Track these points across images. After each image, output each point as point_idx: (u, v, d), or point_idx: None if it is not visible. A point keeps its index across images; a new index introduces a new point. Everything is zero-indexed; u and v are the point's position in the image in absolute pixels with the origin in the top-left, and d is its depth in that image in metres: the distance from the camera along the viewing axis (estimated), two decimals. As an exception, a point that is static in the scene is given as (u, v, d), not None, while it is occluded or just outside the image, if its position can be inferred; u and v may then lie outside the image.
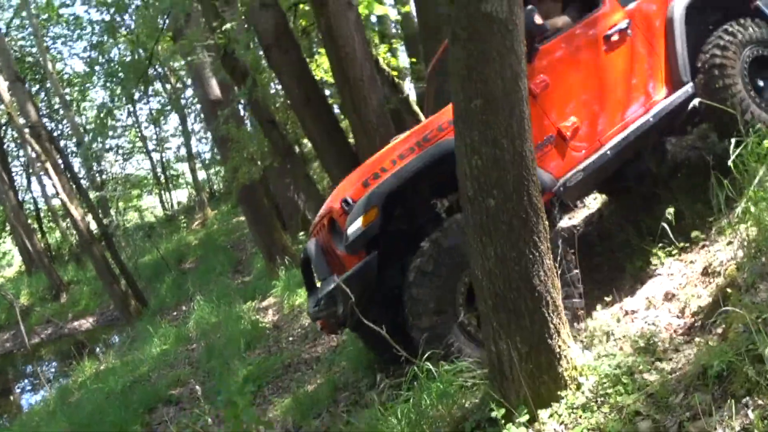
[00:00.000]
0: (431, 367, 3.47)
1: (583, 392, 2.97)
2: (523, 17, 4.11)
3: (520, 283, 2.94)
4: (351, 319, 4.03)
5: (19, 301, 16.58)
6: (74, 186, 13.87)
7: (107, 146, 23.54)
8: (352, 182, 4.41)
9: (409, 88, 11.07)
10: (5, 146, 21.74)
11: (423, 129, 4.46)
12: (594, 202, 7.11)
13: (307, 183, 9.22)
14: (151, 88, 24.48)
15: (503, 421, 2.93)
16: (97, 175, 21.93)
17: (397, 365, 4.05)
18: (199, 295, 12.15)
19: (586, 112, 4.60)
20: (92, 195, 17.20)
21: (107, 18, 21.49)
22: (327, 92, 11.33)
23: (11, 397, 12.80)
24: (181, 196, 26.78)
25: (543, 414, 2.95)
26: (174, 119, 29.11)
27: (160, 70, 22.56)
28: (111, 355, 11.26)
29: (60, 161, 13.57)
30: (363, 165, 4.68)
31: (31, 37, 20.66)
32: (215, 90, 12.32)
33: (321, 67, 9.22)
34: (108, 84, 22.21)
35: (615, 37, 4.72)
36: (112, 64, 21.17)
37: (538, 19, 4.27)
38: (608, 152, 4.54)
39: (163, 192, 25.18)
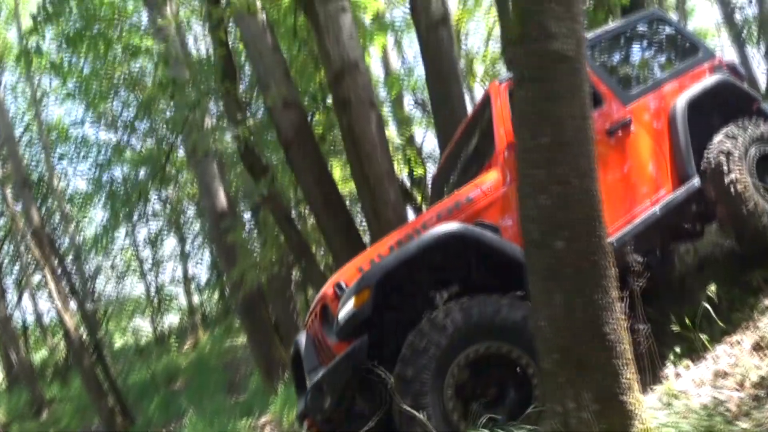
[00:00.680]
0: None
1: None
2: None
3: (590, 331, 2.75)
4: (339, 410, 3.84)
5: (-4, 419, 15.77)
6: (70, 295, 13.61)
7: (102, 265, 23.38)
8: (347, 269, 4.33)
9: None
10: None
11: (422, 218, 4.45)
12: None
13: (322, 283, 9.04)
14: (150, 208, 24.71)
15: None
16: (90, 292, 21.60)
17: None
18: (191, 412, 11.60)
19: None
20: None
21: (114, 139, 22.23)
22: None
23: None
24: (172, 319, 26.30)
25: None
26: (170, 243, 29.09)
27: (161, 192, 22.91)
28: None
29: (58, 269, 13.39)
30: (362, 253, 4.60)
31: (40, 154, 21.01)
32: (222, 201, 12.39)
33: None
34: (109, 204, 22.44)
35: (618, 133, 4.77)
36: (114, 185, 21.56)
37: None
38: (614, 244, 4.36)
39: (154, 315, 24.69)
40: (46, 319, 21.79)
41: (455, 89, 7.78)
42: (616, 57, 5.74)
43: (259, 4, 7.27)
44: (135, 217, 22.97)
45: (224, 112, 7.80)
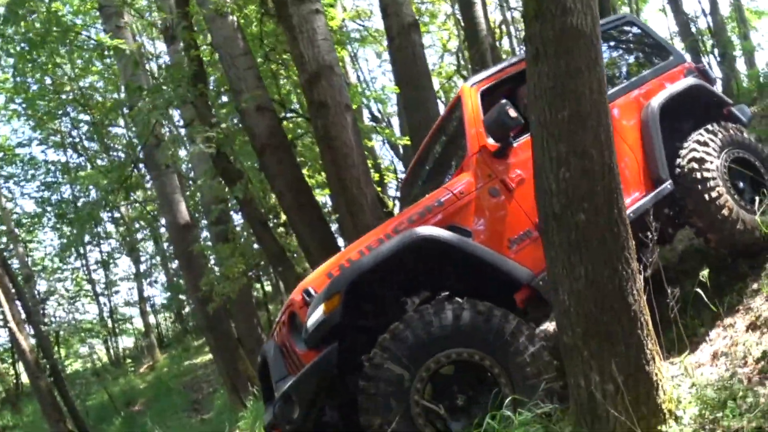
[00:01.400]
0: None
1: (686, 423, 2.72)
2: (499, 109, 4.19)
3: (614, 303, 2.76)
4: (308, 420, 3.71)
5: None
6: (25, 316, 13.07)
7: (53, 289, 22.66)
8: (316, 275, 4.20)
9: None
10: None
11: (393, 222, 4.34)
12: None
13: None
14: (102, 229, 24.13)
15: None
16: (42, 315, 20.88)
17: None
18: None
19: None
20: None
21: (62, 159, 21.66)
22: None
23: None
24: (127, 341, 25.64)
25: (648, 450, 2.67)
26: (123, 263, 28.47)
27: (111, 213, 22.39)
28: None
29: (11, 288, 12.84)
30: (331, 259, 4.45)
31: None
32: (184, 214, 12.16)
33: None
34: (59, 226, 21.83)
35: None
36: (63, 205, 20.97)
37: (512, 113, 4.24)
38: None
39: (109, 337, 24.00)
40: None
41: (428, 93, 7.82)
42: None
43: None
44: (87, 238, 22.45)
45: (196, 116, 7.59)
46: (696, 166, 4.60)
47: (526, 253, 4.22)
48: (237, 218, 15.24)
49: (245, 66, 7.37)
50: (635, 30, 5.88)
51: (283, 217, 11.76)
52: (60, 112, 19.85)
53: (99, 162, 20.89)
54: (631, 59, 5.90)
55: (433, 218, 4.22)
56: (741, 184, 4.92)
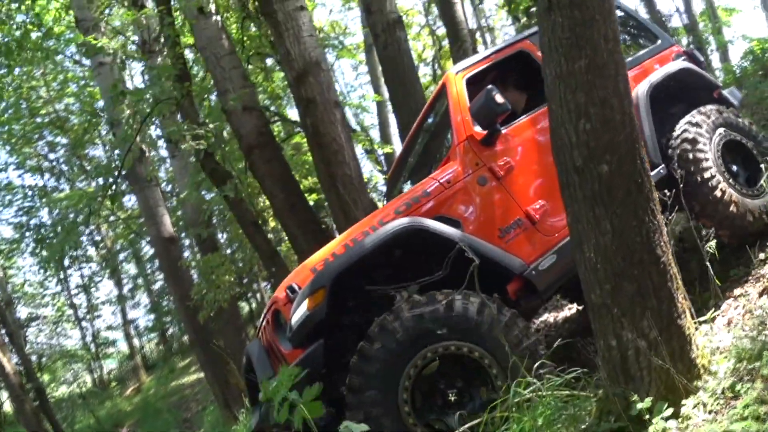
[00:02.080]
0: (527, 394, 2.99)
1: (723, 377, 2.62)
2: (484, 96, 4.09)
3: (644, 255, 2.67)
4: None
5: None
6: (7, 339, 12.75)
7: (33, 315, 22.22)
8: (300, 270, 4.04)
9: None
10: None
11: (379, 213, 4.23)
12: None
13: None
14: (82, 253, 23.75)
15: (647, 417, 2.52)
16: (24, 341, 20.45)
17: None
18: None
19: (555, 195, 4.21)
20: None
21: (39, 183, 21.30)
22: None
23: None
24: (111, 365, 25.12)
25: (687, 405, 2.57)
26: (105, 287, 28.08)
27: (92, 235, 22.05)
28: None
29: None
30: (316, 253, 4.28)
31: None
32: (168, 227, 11.98)
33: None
34: (37, 251, 21.43)
35: None
36: (42, 230, 20.57)
37: (499, 98, 4.12)
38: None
39: (93, 361, 23.55)
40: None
41: (416, 87, 7.76)
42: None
43: (213, 7, 7.08)
44: (66, 262, 22.07)
45: (183, 117, 7.46)
46: (689, 146, 4.50)
47: (517, 243, 4.12)
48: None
49: (231, 66, 7.26)
50: (620, 14, 5.83)
51: (272, 224, 11.69)
52: (36, 136, 19.58)
53: (77, 186, 20.61)
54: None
55: (420, 209, 4.09)
56: (735, 167, 4.80)
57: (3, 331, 12.51)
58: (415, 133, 5.58)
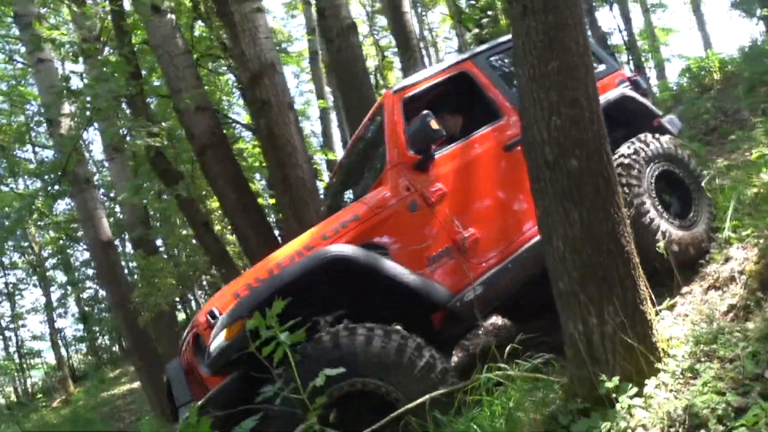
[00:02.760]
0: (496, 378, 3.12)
1: (682, 359, 2.81)
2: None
3: (610, 245, 2.84)
4: None
5: None
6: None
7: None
8: (222, 294, 3.91)
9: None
10: None
11: (306, 237, 4.12)
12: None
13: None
14: (7, 259, 22.88)
15: (614, 395, 2.68)
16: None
17: None
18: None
19: (486, 224, 4.33)
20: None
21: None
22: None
23: None
24: (36, 376, 24.14)
25: (649, 385, 2.74)
26: (31, 295, 27.09)
27: (18, 239, 21.25)
28: None
29: None
30: (240, 276, 4.22)
31: None
32: (106, 231, 11.70)
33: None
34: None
35: (516, 148, 4.42)
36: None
37: (434, 125, 4.11)
38: (509, 266, 4.26)
39: (16, 372, 22.59)
40: None
41: (369, 92, 7.87)
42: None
43: (167, 4, 7.02)
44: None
45: (135, 115, 7.34)
46: (623, 172, 4.47)
47: (444, 272, 4.10)
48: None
49: (184, 65, 7.22)
50: None
51: (218, 227, 11.57)
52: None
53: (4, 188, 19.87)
54: None
55: (347, 234, 3.99)
56: (669, 198, 4.80)
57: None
58: (354, 144, 5.50)
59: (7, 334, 22.93)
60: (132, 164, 12.01)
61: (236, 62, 7.17)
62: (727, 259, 4.16)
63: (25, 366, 22.91)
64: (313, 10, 13.63)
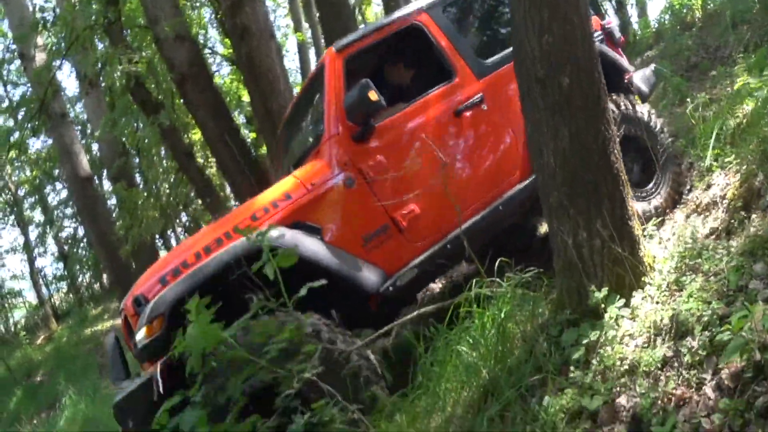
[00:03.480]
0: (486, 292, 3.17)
1: (667, 273, 2.87)
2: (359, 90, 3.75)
3: (600, 161, 2.87)
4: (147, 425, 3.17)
5: None
6: None
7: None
8: (150, 275, 3.73)
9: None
10: None
11: (235, 215, 3.97)
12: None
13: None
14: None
15: (603, 306, 2.75)
16: None
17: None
18: (70, 394, 10.77)
19: (428, 200, 4.05)
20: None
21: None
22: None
23: None
24: (17, 315, 24.16)
25: (636, 297, 2.81)
26: (9, 234, 26.93)
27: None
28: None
29: None
30: (170, 253, 4.06)
31: None
32: (85, 166, 11.60)
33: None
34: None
35: (467, 113, 4.24)
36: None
37: (373, 95, 3.79)
38: (448, 246, 4.04)
39: None
40: None
41: (352, 24, 7.74)
42: (473, 20, 4.94)
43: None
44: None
45: (111, 45, 7.16)
46: None
47: (380, 252, 3.90)
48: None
49: (163, -8, 7.02)
50: None
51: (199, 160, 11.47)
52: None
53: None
54: None
55: (278, 214, 3.77)
56: (632, 165, 4.49)
57: None
58: (293, 108, 5.15)
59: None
60: (108, 99, 11.78)
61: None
62: (708, 186, 4.21)
63: (6, 306, 22.89)
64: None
